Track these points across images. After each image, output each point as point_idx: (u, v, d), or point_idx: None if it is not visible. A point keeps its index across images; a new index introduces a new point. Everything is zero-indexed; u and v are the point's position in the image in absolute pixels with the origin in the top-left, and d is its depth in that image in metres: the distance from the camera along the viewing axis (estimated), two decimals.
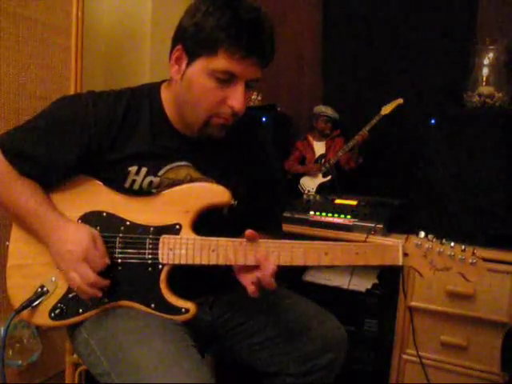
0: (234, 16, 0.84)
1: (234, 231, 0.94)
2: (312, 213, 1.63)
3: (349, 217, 1.57)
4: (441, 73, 1.79)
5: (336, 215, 1.59)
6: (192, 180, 0.98)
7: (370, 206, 1.60)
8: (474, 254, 0.89)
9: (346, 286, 1.57)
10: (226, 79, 0.87)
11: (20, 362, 1.42)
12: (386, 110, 1.77)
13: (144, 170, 0.95)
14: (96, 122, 0.93)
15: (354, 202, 1.64)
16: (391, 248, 0.91)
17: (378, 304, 1.52)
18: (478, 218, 1.38)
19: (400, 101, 1.76)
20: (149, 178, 0.96)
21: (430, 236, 0.91)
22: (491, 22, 1.69)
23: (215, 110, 0.90)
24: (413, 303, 1.40)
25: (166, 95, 0.99)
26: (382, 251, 0.91)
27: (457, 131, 1.44)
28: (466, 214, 1.39)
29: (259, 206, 1.11)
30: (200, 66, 0.88)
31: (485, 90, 1.50)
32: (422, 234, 0.92)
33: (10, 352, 1.40)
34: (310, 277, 1.65)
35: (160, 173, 0.97)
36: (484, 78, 1.53)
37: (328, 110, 1.95)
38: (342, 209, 1.60)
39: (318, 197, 1.76)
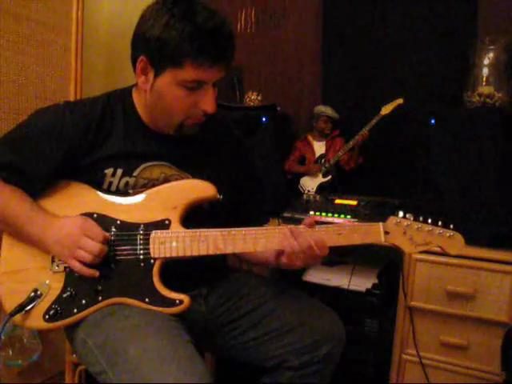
0: (195, 28, 0.86)
1: (220, 225, 0.97)
2: (312, 213, 1.62)
3: (349, 217, 1.56)
4: (441, 73, 1.79)
5: (336, 215, 1.58)
6: (166, 178, 1.01)
7: (370, 205, 1.59)
8: (451, 228, 0.93)
9: (346, 286, 1.57)
10: (194, 87, 0.92)
11: (20, 361, 1.42)
12: (386, 109, 1.77)
13: (120, 171, 0.98)
14: (74, 128, 0.96)
15: (354, 202, 1.64)
16: (372, 227, 0.96)
17: (378, 304, 1.52)
18: (478, 217, 1.38)
19: (400, 101, 1.76)
20: (124, 179, 0.99)
21: (408, 215, 0.96)
22: (491, 22, 1.69)
23: (188, 114, 0.96)
24: (413, 303, 1.40)
25: (137, 99, 1.03)
26: (364, 231, 0.96)
27: (457, 131, 1.44)
28: (466, 213, 1.39)
29: (239, 198, 1.14)
30: (168, 78, 0.91)
31: (485, 89, 1.49)
32: (401, 213, 0.96)
33: (10, 352, 1.40)
34: (309, 277, 1.65)
35: (135, 173, 1.00)
36: (484, 78, 1.53)
37: (328, 110, 1.95)
38: (342, 209, 1.59)
39: (318, 197, 1.76)
